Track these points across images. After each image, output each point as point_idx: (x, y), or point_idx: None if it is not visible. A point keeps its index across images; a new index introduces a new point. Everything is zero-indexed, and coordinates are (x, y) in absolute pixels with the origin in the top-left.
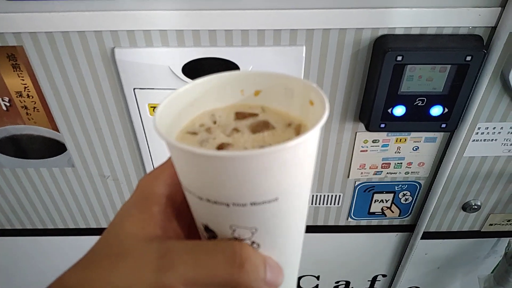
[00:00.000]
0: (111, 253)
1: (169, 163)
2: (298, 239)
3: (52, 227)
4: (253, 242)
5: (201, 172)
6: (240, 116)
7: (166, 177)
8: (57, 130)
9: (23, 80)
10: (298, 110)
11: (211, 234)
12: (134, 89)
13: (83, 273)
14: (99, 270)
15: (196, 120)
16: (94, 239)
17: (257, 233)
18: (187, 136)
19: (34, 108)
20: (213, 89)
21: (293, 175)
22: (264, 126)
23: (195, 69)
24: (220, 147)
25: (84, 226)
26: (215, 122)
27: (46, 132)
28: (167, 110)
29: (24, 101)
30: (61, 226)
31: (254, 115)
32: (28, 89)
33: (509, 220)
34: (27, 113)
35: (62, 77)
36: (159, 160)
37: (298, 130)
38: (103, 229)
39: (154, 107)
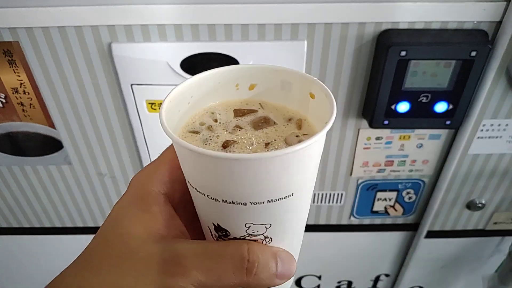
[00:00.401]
0: (114, 254)
1: (162, 159)
2: (303, 229)
3: (49, 225)
4: (265, 237)
5: (221, 175)
6: (239, 113)
7: (161, 174)
8: (54, 127)
9: (19, 76)
10: (296, 103)
11: (222, 233)
12: (131, 85)
13: (85, 274)
14: (102, 271)
15: (196, 119)
16: (91, 238)
17: (270, 228)
18: (189, 135)
19: (30, 104)
20: (209, 85)
21: (307, 171)
22: (265, 122)
23: (194, 64)
24: (225, 144)
25: (81, 225)
26: (216, 120)
27: (42, 129)
28: (171, 110)
29: (20, 98)
30: (58, 224)
31: (253, 111)
32: (24, 85)
33: None
34: (23, 110)
35: (58, 73)
36: None
37: (300, 124)
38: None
39: (152, 104)
